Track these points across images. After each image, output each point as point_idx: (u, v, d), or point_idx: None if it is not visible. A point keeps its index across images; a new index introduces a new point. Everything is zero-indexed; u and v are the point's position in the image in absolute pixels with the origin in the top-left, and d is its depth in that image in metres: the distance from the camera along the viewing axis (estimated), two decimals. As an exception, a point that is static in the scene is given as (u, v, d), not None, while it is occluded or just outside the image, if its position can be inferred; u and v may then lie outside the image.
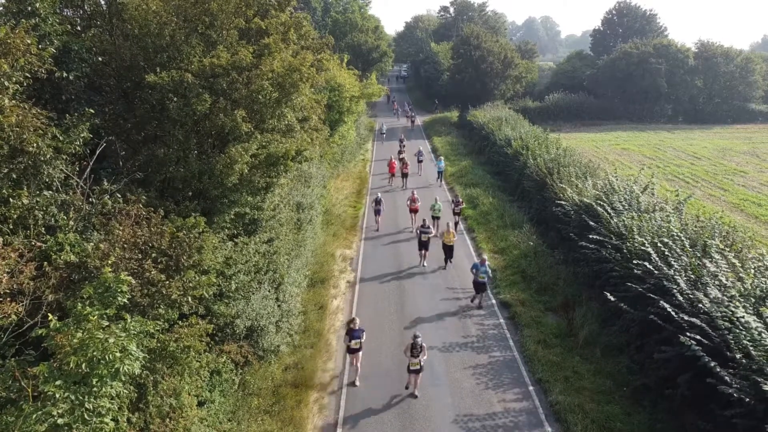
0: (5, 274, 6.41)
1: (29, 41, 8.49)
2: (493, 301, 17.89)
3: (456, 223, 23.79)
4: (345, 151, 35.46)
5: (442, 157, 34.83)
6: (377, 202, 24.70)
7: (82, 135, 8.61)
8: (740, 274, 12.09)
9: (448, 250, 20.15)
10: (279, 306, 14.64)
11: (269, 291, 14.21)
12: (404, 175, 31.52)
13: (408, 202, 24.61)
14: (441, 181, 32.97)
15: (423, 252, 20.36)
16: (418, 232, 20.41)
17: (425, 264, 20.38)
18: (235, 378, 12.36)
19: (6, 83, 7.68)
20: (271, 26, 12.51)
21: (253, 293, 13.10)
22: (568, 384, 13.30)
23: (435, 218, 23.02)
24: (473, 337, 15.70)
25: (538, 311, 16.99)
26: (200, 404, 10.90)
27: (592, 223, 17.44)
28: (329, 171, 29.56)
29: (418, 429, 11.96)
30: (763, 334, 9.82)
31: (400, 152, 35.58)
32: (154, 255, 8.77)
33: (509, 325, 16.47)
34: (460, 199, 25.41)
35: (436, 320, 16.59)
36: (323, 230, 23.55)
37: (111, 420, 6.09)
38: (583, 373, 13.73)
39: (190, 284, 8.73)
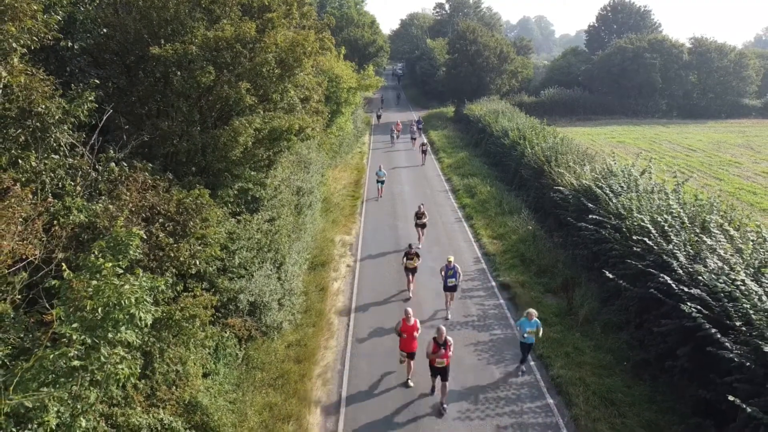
0: (19, 219, 6.42)
1: (35, 7, 8.53)
2: (493, 283, 18.00)
3: None
4: (342, 142, 35.62)
5: (535, 314, 12.92)
6: None
7: (89, 99, 8.64)
8: (739, 245, 12.25)
9: None
10: (281, 285, 14.72)
11: (271, 270, 14.28)
12: (439, 373, 11.58)
13: None
14: (522, 371, 13.20)
15: None
16: None
17: None
18: (239, 352, 12.43)
19: (14, 45, 7.71)
20: (274, 2, 12.57)
21: (256, 270, 13.18)
22: (569, 359, 13.42)
23: None
24: (474, 316, 15.82)
25: (538, 292, 17.11)
26: (205, 375, 10.96)
27: (590, 205, 17.56)
28: (328, 160, 29.65)
29: (422, 402, 12.05)
30: (763, 297, 9.96)
31: (408, 255, 16.80)
32: (161, 220, 8.81)
33: (509, 305, 16.59)
34: None
35: (436, 300, 16.70)
36: (323, 217, 23.66)
37: (126, 368, 6.14)
38: (584, 348, 13.85)
39: (198, 247, 8.77)
